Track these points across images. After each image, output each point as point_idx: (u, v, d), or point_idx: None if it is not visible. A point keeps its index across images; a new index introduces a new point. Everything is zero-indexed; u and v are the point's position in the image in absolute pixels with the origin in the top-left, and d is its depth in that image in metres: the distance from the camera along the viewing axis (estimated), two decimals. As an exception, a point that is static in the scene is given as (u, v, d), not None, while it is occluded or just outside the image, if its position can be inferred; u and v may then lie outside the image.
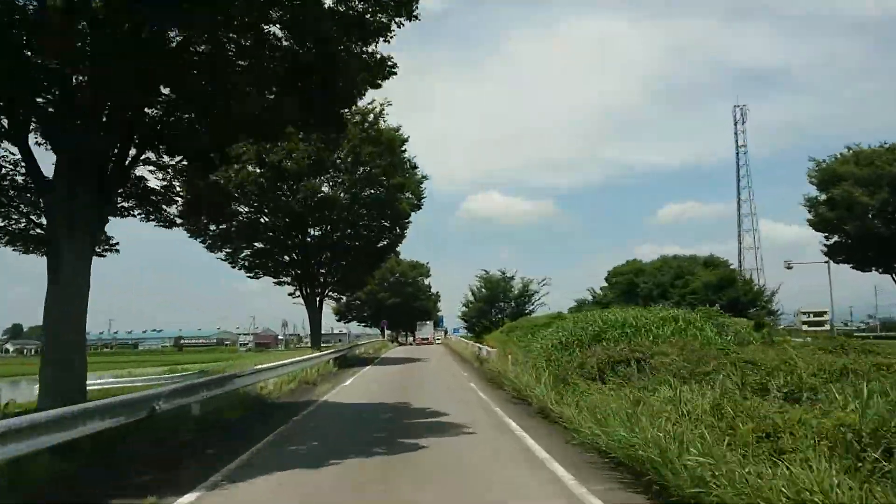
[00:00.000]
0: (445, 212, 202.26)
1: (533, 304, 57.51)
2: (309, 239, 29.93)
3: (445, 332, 77.56)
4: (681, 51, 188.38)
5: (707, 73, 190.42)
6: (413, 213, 31.62)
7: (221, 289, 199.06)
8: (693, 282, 57.18)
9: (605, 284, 72.31)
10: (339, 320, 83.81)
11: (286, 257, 30.08)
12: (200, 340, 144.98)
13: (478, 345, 31.06)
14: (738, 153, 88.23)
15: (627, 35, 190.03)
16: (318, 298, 30.98)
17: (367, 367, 27.93)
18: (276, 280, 31.71)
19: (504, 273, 58.14)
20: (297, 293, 31.51)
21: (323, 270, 31.21)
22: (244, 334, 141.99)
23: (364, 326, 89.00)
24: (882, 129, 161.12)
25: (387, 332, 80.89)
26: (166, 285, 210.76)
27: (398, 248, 33.22)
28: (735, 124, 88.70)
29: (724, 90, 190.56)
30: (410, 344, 73.19)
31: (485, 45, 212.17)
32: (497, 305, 58.15)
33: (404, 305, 74.49)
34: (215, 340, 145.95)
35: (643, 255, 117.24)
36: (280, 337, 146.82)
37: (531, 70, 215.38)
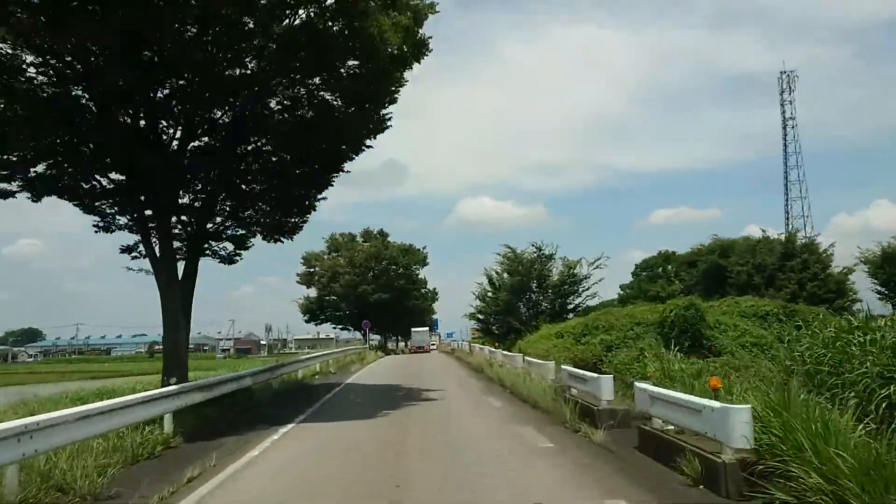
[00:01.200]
0: (436, 216, 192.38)
1: (580, 296, 39.13)
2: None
3: (439, 338, 66.71)
4: (671, 57, 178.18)
5: (697, 78, 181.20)
6: (410, 70, 13.87)
7: (213, 293, 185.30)
8: (810, 262, 39.30)
9: (632, 279, 63.76)
10: (307, 321, 62.63)
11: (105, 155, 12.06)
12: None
13: (579, 369, 12.79)
14: (784, 126, 74.40)
15: (619, 41, 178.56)
16: (178, 257, 13.11)
17: (286, 430, 10.31)
18: (99, 220, 13.97)
19: (540, 250, 39.43)
20: (142, 245, 13.72)
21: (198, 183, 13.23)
22: (225, 339, 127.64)
23: (341, 329, 68.85)
24: (872, 133, 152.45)
25: (373, 336, 63.81)
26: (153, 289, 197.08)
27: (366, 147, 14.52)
28: (781, 94, 74.70)
29: (715, 96, 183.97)
30: (402, 353, 57.23)
31: (477, 50, 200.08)
32: (528, 298, 39.58)
33: (395, 304, 56.50)
34: (192, 346, 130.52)
35: (635, 258, 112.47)
36: (263, 342, 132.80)
37: (523, 75, 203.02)
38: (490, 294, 41.44)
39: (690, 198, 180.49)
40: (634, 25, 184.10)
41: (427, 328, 62.49)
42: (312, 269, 58.97)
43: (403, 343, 73.31)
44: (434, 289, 71.80)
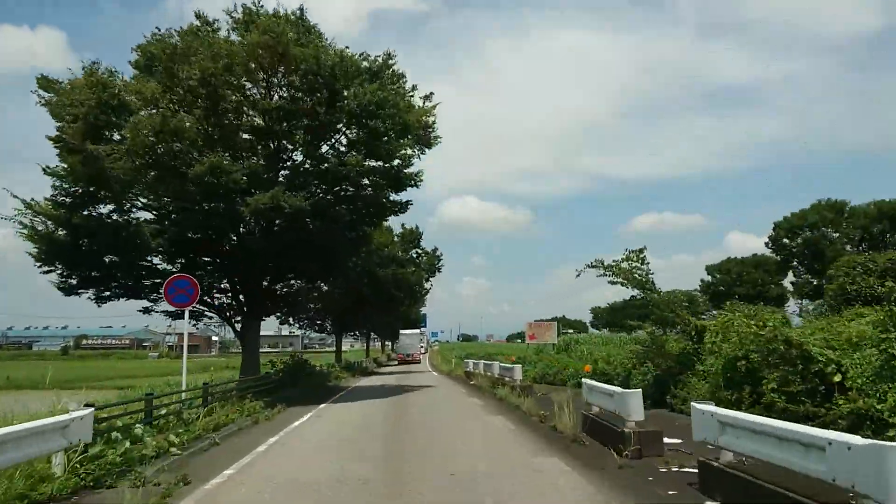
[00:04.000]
0: (421, 218, 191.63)
1: None
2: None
3: (427, 340, 56.33)
4: (657, 66, 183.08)
5: (681, 88, 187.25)
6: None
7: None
8: None
9: (708, 278, 66.34)
10: (66, 291, 19.86)
11: None
12: (111, 341, 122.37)
13: None
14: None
15: (607, 50, 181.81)
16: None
17: None
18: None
19: None
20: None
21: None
22: (173, 334, 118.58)
23: (168, 326, 31.85)
24: (858, 142, 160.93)
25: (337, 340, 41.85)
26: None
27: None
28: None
29: (697, 106, 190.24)
30: (378, 369, 37.45)
31: (464, 53, 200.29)
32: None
33: (332, 241, 21.00)
34: (128, 342, 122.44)
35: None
36: (215, 338, 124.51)
37: (511, 79, 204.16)
38: None
39: (673, 204, 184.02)
40: (623, 34, 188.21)
41: (417, 330, 45.09)
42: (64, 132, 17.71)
43: (381, 345, 51.15)
44: (436, 250, 43.30)
